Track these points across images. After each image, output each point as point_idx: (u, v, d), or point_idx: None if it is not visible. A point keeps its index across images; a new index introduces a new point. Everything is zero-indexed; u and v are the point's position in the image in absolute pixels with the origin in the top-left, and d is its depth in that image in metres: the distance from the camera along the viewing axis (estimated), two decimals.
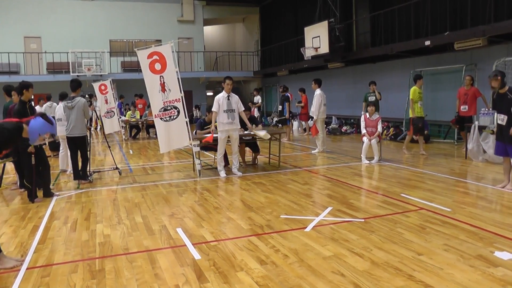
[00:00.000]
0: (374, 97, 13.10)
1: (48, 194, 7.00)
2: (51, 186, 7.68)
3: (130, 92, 21.02)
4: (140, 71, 8.48)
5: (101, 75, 21.96)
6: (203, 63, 26.44)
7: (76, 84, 7.99)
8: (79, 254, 4.41)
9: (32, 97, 7.09)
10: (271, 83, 26.29)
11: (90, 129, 8.74)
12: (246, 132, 8.86)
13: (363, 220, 5.28)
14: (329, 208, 5.84)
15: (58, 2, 23.78)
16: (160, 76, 8.27)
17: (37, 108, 10.59)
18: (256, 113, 18.18)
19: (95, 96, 15.25)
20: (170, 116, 8.34)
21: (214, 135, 8.32)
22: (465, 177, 7.78)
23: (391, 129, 14.58)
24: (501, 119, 6.52)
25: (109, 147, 10.16)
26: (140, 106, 18.08)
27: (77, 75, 21.02)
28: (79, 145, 8.03)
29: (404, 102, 14.49)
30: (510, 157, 6.60)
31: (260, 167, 9.44)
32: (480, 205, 5.84)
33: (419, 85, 10.42)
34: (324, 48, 16.14)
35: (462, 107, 10.54)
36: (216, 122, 8.32)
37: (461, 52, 12.37)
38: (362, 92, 14.43)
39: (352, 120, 18.00)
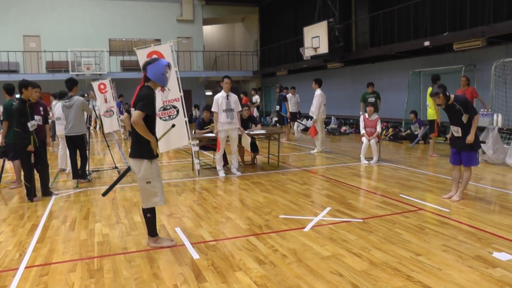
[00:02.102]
0: (373, 98, 13.10)
1: (47, 193, 7.00)
2: (50, 186, 7.69)
3: (130, 92, 20.96)
4: (140, 70, 8.46)
5: (100, 74, 21.94)
6: (202, 62, 26.43)
7: (71, 83, 7.97)
8: (78, 253, 4.41)
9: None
10: (270, 83, 26.29)
11: (89, 128, 8.73)
12: (246, 132, 8.85)
13: (361, 220, 5.28)
14: (328, 208, 5.84)
15: (58, 1, 23.75)
16: None
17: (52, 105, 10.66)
18: (255, 112, 18.19)
19: (94, 93, 15.22)
20: (169, 116, 8.33)
21: (213, 135, 8.31)
22: None
23: (390, 129, 14.60)
24: (455, 131, 6.11)
25: (108, 146, 10.15)
26: None
27: (77, 74, 21.01)
28: (78, 144, 8.02)
29: (403, 102, 14.51)
30: (463, 164, 6.16)
31: (259, 167, 9.44)
32: (479, 206, 5.84)
33: None
34: (324, 48, 16.15)
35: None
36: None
37: (460, 52, 12.39)
38: (361, 92, 14.43)
39: (351, 120, 18.01)
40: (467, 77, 10.58)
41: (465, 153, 6.07)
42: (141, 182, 4.38)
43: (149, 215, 4.48)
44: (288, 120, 15.90)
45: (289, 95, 16.64)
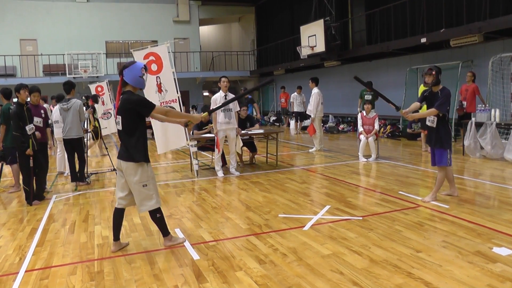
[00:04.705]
0: (370, 96, 13.12)
1: (40, 197, 6.94)
2: (49, 189, 7.69)
3: None
4: None
5: (97, 77, 21.88)
6: (200, 63, 26.40)
7: (68, 87, 7.97)
8: (78, 256, 4.41)
9: (29, 99, 7.12)
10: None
11: (87, 131, 8.71)
12: (243, 131, 8.85)
13: (361, 218, 5.29)
14: (327, 207, 5.84)
15: (54, 4, 23.69)
16: (157, 77, 8.26)
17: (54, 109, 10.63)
18: (253, 113, 18.20)
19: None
20: None
21: (211, 135, 8.30)
22: (463, 174, 7.79)
23: (388, 126, 14.60)
24: (431, 120, 5.86)
25: (106, 148, 10.14)
26: None
27: (74, 77, 20.95)
28: (76, 147, 8.02)
29: (401, 99, 14.51)
30: (436, 164, 5.92)
31: (258, 167, 9.44)
32: (478, 201, 5.85)
33: None
34: (320, 47, 16.15)
35: (462, 102, 10.57)
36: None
37: (457, 49, 12.40)
38: (359, 90, 14.45)
39: (349, 118, 18.01)
40: (473, 72, 10.63)
41: (437, 150, 5.88)
42: (137, 186, 4.28)
43: (158, 215, 4.43)
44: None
45: (294, 94, 16.65)
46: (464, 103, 10.48)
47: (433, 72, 5.80)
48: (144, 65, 4.40)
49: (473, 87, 10.35)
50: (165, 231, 4.53)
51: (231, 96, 8.36)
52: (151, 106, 4.27)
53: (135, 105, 4.20)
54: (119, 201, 4.51)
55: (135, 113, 4.22)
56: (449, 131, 5.87)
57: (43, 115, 7.36)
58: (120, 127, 4.31)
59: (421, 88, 10.01)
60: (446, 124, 5.83)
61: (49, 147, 7.73)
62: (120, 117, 4.28)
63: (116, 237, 4.52)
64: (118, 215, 4.51)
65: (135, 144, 4.25)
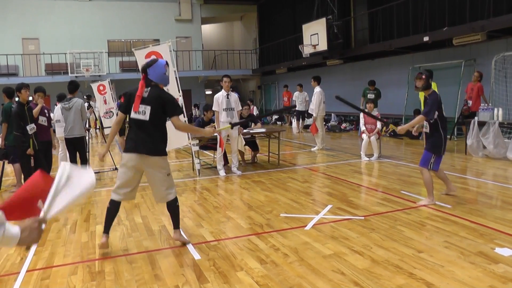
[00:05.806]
0: (373, 95, 13.09)
1: None
2: None
3: None
4: (139, 71, 8.44)
5: (99, 76, 21.91)
6: (202, 62, 26.40)
7: (73, 87, 7.97)
8: (79, 255, 4.41)
9: (31, 98, 7.15)
10: (270, 81, 26.26)
11: (89, 130, 8.71)
12: (245, 130, 8.85)
13: (363, 217, 5.27)
14: (329, 206, 5.83)
15: (56, 3, 23.72)
16: None
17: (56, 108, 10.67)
18: (255, 111, 18.20)
19: (94, 96, 15.22)
20: None
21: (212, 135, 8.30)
22: (465, 173, 7.76)
23: (391, 125, 14.54)
24: (424, 126, 5.74)
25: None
26: None
27: (76, 76, 20.98)
28: (77, 146, 8.01)
29: (403, 98, 14.49)
30: (419, 163, 5.82)
31: (260, 166, 9.42)
32: (481, 201, 5.82)
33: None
34: (323, 45, 16.13)
35: (467, 101, 10.57)
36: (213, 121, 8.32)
37: (460, 47, 12.35)
38: (361, 89, 14.41)
39: (351, 117, 17.97)
40: (481, 72, 10.61)
41: (424, 151, 5.80)
42: (163, 176, 4.40)
43: (177, 203, 4.52)
44: None
45: (296, 93, 16.60)
46: (469, 102, 10.46)
47: (423, 76, 5.69)
48: (166, 62, 4.50)
49: (478, 86, 10.35)
50: (177, 223, 4.54)
51: (233, 95, 8.35)
52: (177, 112, 4.41)
53: (168, 101, 4.36)
54: (120, 196, 4.45)
55: (164, 108, 4.35)
56: (440, 137, 5.63)
57: (47, 114, 7.42)
58: (147, 118, 4.29)
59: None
60: (439, 130, 5.61)
61: (53, 148, 7.77)
62: (150, 107, 4.27)
63: (107, 230, 4.48)
64: (115, 208, 4.50)
65: (162, 137, 4.45)
